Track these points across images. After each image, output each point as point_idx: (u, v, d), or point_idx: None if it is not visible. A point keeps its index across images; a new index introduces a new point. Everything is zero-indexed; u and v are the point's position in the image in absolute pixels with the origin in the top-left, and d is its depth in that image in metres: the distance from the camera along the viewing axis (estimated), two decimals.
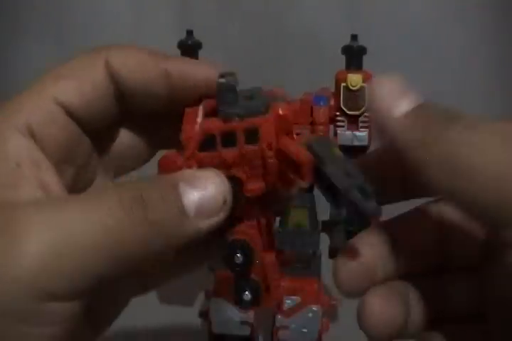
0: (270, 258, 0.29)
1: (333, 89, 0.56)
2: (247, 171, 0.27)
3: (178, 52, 0.58)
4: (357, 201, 0.26)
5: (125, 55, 0.30)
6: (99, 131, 0.31)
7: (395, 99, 0.27)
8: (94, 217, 0.24)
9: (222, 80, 0.28)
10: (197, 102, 0.29)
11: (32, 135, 0.28)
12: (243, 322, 0.55)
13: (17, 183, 0.26)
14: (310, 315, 0.54)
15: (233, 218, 0.29)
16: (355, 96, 0.55)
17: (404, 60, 0.73)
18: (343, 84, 0.55)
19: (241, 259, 0.28)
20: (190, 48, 0.58)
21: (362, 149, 0.56)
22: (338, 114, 0.56)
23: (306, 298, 0.54)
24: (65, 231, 0.24)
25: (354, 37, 0.56)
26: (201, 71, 0.31)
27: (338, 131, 0.56)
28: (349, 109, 0.55)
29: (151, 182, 0.27)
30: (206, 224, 0.26)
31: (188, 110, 0.29)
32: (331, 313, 0.59)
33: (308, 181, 0.26)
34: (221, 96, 0.28)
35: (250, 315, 0.56)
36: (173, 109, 0.31)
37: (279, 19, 0.75)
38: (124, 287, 0.32)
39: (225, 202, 0.27)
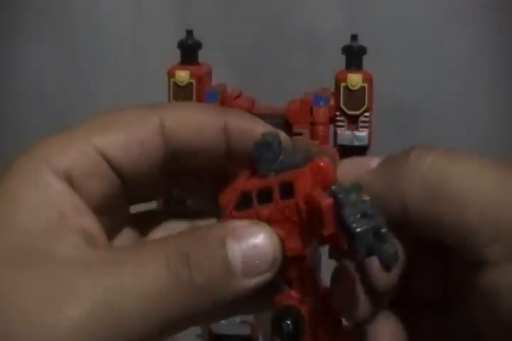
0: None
1: (333, 89, 0.56)
2: (286, 228, 0.26)
3: (178, 52, 0.58)
4: (370, 245, 0.24)
5: (181, 116, 0.29)
6: (139, 185, 0.30)
7: (364, 162, 0.27)
8: (139, 283, 0.24)
9: (260, 139, 0.27)
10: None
11: (70, 182, 0.27)
12: (243, 322, 0.55)
13: (60, 232, 0.26)
14: None
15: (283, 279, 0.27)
16: (355, 96, 0.55)
17: (405, 60, 0.73)
18: (343, 84, 0.55)
19: (290, 327, 0.27)
20: (190, 48, 0.58)
21: (362, 149, 0.56)
22: (338, 114, 0.56)
23: None
24: (109, 297, 0.24)
25: (354, 37, 0.56)
26: (258, 127, 0.29)
27: (338, 131, 0.56)
28: (349, 109, 0.55)
29: (197, 237, 0.26)
30: (253, 283, 0.25)
31: (243, 171, 0.28)
32: None
33: (329, 230, 0.25)
34: (258, 155, 0.27)
35: (250, 315, 0.56)
36: (228, 168, 0.30)
37: (279, 19, 0.75)
38: None
39: (274, 260, 0.26)
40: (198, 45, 0.58)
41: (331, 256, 0.51)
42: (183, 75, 0.56)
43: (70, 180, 0.27)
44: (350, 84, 0.55)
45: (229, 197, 0.27)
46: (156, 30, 0.77)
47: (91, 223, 0.27)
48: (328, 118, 0.56)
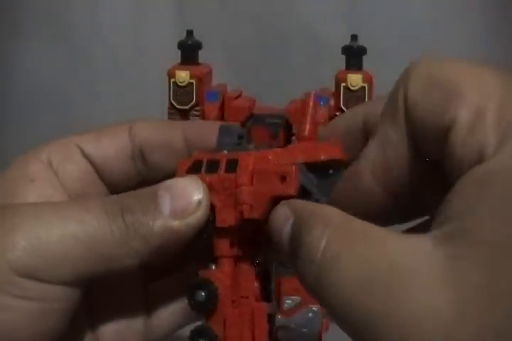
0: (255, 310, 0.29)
1: (333, 89, 0.56)
2: (222, 199, 0.29)
3: (178, 52, 0.58)
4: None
5: (146, 121, 0.35)
6: (116, 184, 0.34)
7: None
8: (78, 213, 0.28)
9: (226, 124, 0.32)
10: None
11: (50, 165, 0.32)
12: None
13: (26, 195, 0.31)
14: (310, 315, 0.54)
15: (212, 255, 0.30)
16: (355, 97, 0.55)
17: (404, 60, 0.73)
18: (343, 84, 0.55)
19: (202, 298, 0.29)
20: (190, 48, 0.58)
21: None
22: (338, 114, 0.56)
23: (306, 298, 0.54)
24: (50, 227, 0.27)
25: (354, 37, 0.56)
26: (213, 128, 0.33)
27: None
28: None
29: (136, 191, 0.30)
30: (180, 224, 0.28)
31: (181, 161, 0.31)
32: None
33: (292, 191, 0.27)
34: (219, 136, 0.31)
35: None
36: None
37: (279, 19, 0.75)
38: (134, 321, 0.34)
39: (199, 203, 0.28)
40: (198, 45, 0.58)
41: None
42: (183, 75, 0.56)
43: (50, 164, 0.32)
44: (351, 85, 0.55)
45: (185, 162, 0.30)
46: (156, 30, 0.77)
47: (58, 194, 0.32)
48: (328, 118, 0.56)
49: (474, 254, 0.20)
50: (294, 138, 0.57)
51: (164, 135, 0.34)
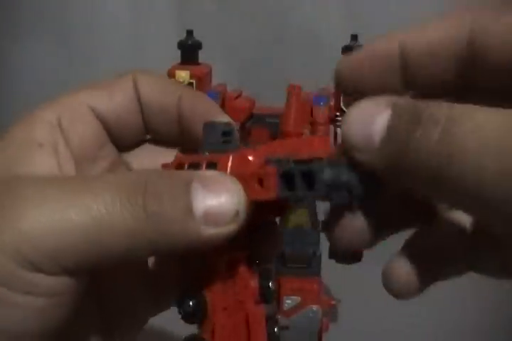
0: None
1: (333, 89, 0.56)
2: None
3: (178, 52, 0.58)
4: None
5: (150, 79, 0.33)
6: (127, 145, 0.32)
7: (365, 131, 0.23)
8: (84, 199, 0.24)
9: (210, 122, 0.30)
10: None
11: (60, 127, 0.30)
12: None
13: (34, 162, 0.28)
14: (310, 315, 0.54)
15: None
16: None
17: None
18: None
19: (191, 308, 0.28)
20: (190, 48, 0.58)
21: None
22: (338, 114, 0.56)
23: (306, 298, 0.54)
24: (56, 211, 0.24)
25: (354, 37, 0.56)
26: (208, 105, 0.32)
27: (338, 131, 0.56)
28: None
29: (161, 173, 0.26)
30: (211, 232, 0.24)
31: (164, 164, 0.30)
32: (330, 313, 0.59)
33: (272, 194, 0.25)
34: (204, 135, 0.29)
35: None
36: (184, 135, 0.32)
37: (279, 19, 0.75)
38: (140, 304, 0.32)
39: (236, 214, 0.24)
40: (198, 45, 0.58)
41: (331, 256, 0.51)
42: (183, 75, 0.56)
43: (60, 126, 0.30)
44: None
45: (169, 165, 0.29)
46: (156, 30, 0.77)
47: (65, 160, 0.29)
48: (328, 118, 0.56)
49: None
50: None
51: (161, 98, 0.31)
